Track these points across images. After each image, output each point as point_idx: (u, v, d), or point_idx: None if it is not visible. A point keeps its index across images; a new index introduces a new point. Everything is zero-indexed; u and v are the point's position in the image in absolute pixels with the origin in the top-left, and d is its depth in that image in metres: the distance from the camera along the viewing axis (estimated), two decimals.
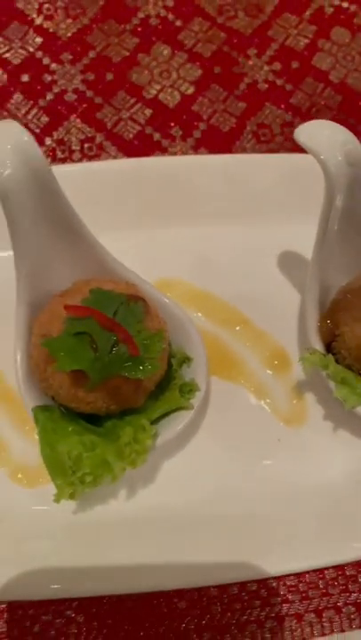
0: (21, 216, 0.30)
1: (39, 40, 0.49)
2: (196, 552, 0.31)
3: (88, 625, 0.30)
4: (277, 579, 0.31)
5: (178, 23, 0.51)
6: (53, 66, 0.48)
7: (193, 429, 0.34)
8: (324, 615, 0.31)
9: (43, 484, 0.33)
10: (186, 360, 0.33)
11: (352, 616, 0.32)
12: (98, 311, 0.29)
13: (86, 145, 0.45)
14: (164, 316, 0.32)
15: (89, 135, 0.46)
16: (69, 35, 0.50)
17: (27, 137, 0.28)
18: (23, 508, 0.32)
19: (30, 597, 0.29)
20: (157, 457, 0.33)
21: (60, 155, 0.45)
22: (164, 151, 0.46)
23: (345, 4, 0.53)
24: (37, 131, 0.45)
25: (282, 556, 0.30)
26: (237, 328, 0.38)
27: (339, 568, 0.32)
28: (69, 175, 0.37)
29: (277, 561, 0.30)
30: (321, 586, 0.32)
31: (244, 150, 0.46)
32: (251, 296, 0.38)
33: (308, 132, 0.30)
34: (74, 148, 0.45)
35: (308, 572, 0.32)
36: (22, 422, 0.34)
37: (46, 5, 0.51)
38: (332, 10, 0.53)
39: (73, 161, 0.45)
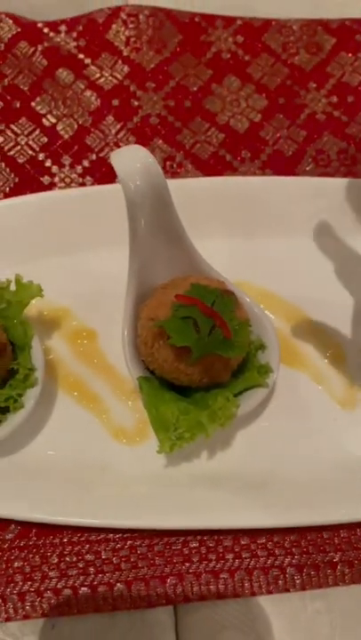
0: (141, 221, 0.38)
1: (127, 69, 0.58)
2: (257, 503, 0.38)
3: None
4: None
5: (246, 58, 0.59)
6: (139, 93, 0.57)
7: (265, 404, 0.42)
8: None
9: (138, 443, 0.40)
10: (262, 347, 0.41)
11: None
12: (200, 300, 0.36)
13: (168, 162, 0.53)
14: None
15: (171, 154, 0.54)
16: (152, 66, 0.58)
17: (151, 159, 0.36)
18: (123, 461, 0.40)
19: (135, 526, 0.37)
20: (236, 425, 0.41)
21: None
22: (234, 170, 0.54)
23: None
24: None
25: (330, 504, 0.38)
26: (298, 324, 0.45)
27: None
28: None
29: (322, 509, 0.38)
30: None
31: (304, 173, 0.54)
32: (313, 298, 0.46)
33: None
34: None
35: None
36: (121, 393, 0.42)
37: (133, 39, 0.59)
38: None
39: None
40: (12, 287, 0.40)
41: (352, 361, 0.44)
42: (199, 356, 0.36)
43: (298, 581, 0.38)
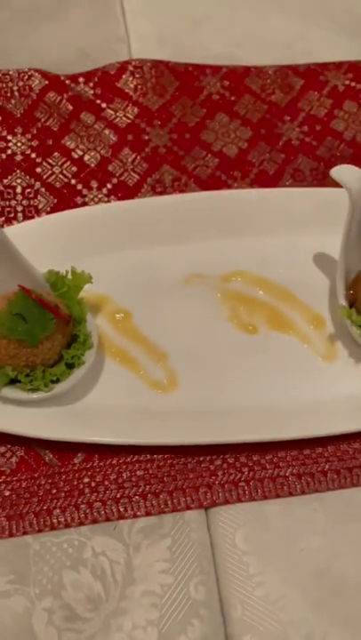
0: None
1: (136, 110, 0.73)
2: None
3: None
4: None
5: (232, 98, 0.75)
6: (148, 129, 0.72)
7: (261, 355, 0.56)
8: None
9: (169, 391, 0.54)
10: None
11: None
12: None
13: (176, 183, 0.68)
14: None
15: (177, 176, 0.69)
16: (157, 107, 0.74)
17: None
18: (159, 404, 0.53)
19: (171, 443, 0.50)
20: (241, 366, 0.55)
21: (158, 189, 0.68)
22: (229, 187, 0.69)
23: (353, 84, 0.78)
24: (141, 174, 0.69)
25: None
26: (287, 301, 0.60)
27: None
28: (168, 202, 0.62)
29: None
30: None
31: (285, 187, 0.70)
32: (298, 280, 0.60)
33: (339, 170, 0.53)
34: (167, 185, 0.68)
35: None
36: (153, 357, 0.56)
37: (139, 86, 0.75)
38: (343, 87, 0.78)
39: (167, 194, 0.68)
40: (69, 276, 0.54)
41: (330, 326, 0.58)
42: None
43: (298, 487, 0.51)
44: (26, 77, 0.73)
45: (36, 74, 0.73)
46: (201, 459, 0.51)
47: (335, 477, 0.51)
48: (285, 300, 0.59)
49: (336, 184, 0.51)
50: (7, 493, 0.50)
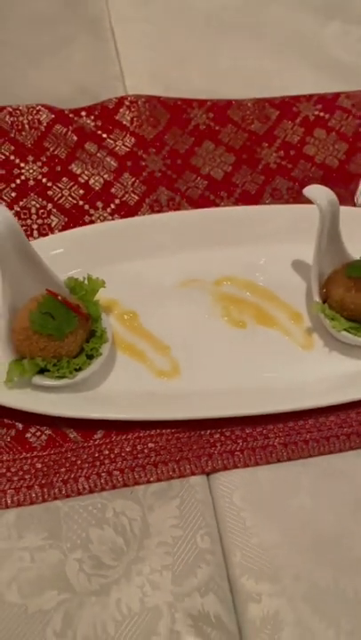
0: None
1: (133, 140, 0.84)
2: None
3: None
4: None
5: (217, 128, 0.86)
6: (145, 156, 0.83)
7: (250, 346, 0.66)
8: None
9: (172, 378, 0.64)
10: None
11: None
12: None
13: (170, 202, 0.79)
14: None
15: (172, 197, 0.80)
16: (152, 136, 0.85)
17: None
18: (164, 389, 0.63)
19: (177, 418, 0.59)
20: (234, 354, 0.65)
21: (156, 208, 0.79)
22: (217, 205, 0.81)
23: (322, 114, 0.90)
24: (140, 195, 0.80)
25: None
26: (271, 301, 0.71)
27: None
28: (165, 219, 0.73)
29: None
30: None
31: (265, 204, 0.81)
32: (279, 283, 0.71)
33: (310, 189, 0.65)
34: (163, 204, 0.80)
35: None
36: (158, 349, 0.66)
37: (135, 118, 0.86)
38: (313, 117, 0.90)
39: (164, 212, 0.79)
40: (86, 282, 0.65)
41: (307, 321, 0.69)
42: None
43: (285, 454, 0.61)
44: (34, 112, 0.84)
45: (44, 109, 0.84)
46: (202, 432, 0.62)
47: (315, 445, 0.62)
48: (269, 300, 0.70)
49: (309, 201, 0.63)
50: (39, 466, 0.60)
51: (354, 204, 0.76)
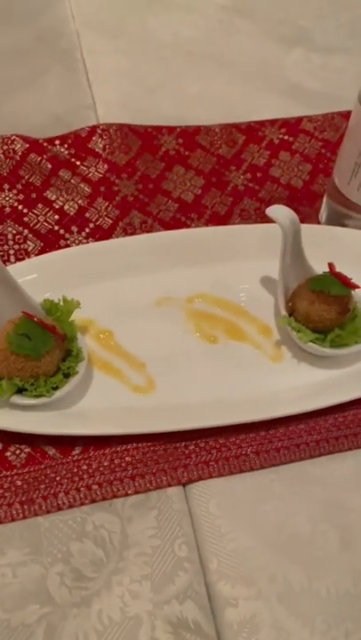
0: None
1: (106, 167, 0.87)
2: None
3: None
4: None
5: (186, 153, 0.90)
6: (117, 181, 0.86)
7: (222, 360, 0.69)
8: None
9: (148, 393, 0.66)
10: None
11: None
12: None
13: (143, 225, 0.82)
14: None
15: (144, 220, 0.83)
16: (124, 163, 0.87)
17: None
18: (141, 404, 0.66)
19: (153, 431, 0.61)
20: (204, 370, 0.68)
21: (129, 231, 0.82)
22: (188, 226, 0.83)
23: (286, 137, 0.94)
24: (113, 219, 0.83)
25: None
26: (241, 316, 0.74)
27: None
28: (138, 241, 0.76)
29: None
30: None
31: (233, 224, 0.84)
32: (250, 299, 0.74)
33: (273, 210, 0.68)
34: (136, 227, 0.82)
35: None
36: (133, 366, 0.69)
37: (107, 146, 0.88)
38: (278, 141, 0.93)
39: (137, 234, 0.82)
40: (61, 304, 0.67)
41: (276, 335, 0.72)
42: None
43: (257, 462, 0.64)
44: (9, 142, 0.87)
45: (18, 139, 0.87)
46: (177, 444, 0.64)
47: (286, 453, 0.64)
48: (239, 315, 0.73)
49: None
50: (19, 483, 0.61)
51: (318, 222, 0.79)
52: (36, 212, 0.81)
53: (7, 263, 0.76)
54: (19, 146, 0.86)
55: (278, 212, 0.62)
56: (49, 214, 0.77)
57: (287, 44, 0.99)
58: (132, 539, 0.59)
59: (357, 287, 0.65)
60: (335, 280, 0.65)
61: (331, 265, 0.66)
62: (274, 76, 0.94)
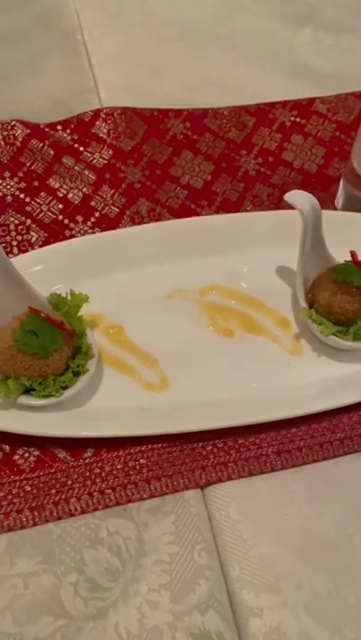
0: None
1: (111, 152, 0.83)
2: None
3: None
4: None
5: (195, 137, 0.86)
6: (123, 167, 0.82)
7: (238, 355, 0.65)
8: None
9: (161, 391, 0.62)
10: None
11: None
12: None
13: (151, 213, 0.78)
14: None
15: (152, 208, 0.79)
16: (129, 148, 0.83)
17: None
18: (154, 402, 0.62)
19: (169, 432, 0.58)
20: (220, 369, 0.64)
21: (137, 220, 0.78)
22: (198, 214, 0.79)
23: (298, 119, 0.90)
24: (120, 207, 0.79)
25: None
26: (257, 308, 0.70)
27: None
28: (146, 230, 0.72)
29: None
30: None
31: (246, 211, 0.80)
32: (264, 290, 0.70)
33: (291, 195, 0.64)
34: (144, 215, 0.78)
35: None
36: (145, 362, 0.65)
37: (112, 130, 0.85)
38: (290, 123, 0.89)
39: (145, 223, 0.77)
40: (69, 298, 0.63)
41: (295, 327, 0.68)
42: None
43: (278, 462, 0.60)
44: (9, 128, 0.83)
45: (18, 124, 0.83)
46: (194, 445, 0.60)
47: (309, 452, 0.60)
48: (255, 307, 0.69)
49: (290, 206, 0.62)
50: (28, 488, 0.58)
51: (335, 208, 0.75)
52: (38, 200, 0.77)
53: (10, 255, 0.72)
54: (19, 132, 0.82)
55: (297, 197, 0.58)
56: (52, 203, 0.73)
57: (295, 24, 0.94)
58: (148, 545, 0.55)
59: None
60: (358, 269, 0.61)
61: (353, 253, 0.62)
62: (283, 56, 0.90)
